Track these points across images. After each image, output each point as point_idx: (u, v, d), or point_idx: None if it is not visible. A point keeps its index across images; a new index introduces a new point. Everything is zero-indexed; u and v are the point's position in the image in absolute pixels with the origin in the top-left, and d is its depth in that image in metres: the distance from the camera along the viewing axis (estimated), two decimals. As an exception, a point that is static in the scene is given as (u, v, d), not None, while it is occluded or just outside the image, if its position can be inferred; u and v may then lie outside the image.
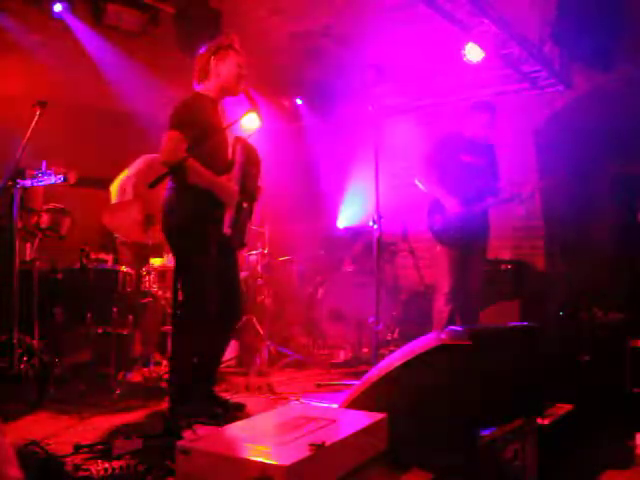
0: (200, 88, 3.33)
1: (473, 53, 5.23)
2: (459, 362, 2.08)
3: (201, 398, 3.18)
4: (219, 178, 3.16)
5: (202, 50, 3.34)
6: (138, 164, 4.81)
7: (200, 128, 3.11)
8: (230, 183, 3.20)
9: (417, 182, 4.51)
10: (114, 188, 4.84)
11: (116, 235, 4.71)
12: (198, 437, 2.18)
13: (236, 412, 3.18)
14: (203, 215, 3.11)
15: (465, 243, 4.36)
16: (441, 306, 4.35)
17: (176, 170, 2.95)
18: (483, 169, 4.48)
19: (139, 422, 3.16)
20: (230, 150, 3.29)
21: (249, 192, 3.36)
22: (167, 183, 3.17)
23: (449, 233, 4.35)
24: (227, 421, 2.73)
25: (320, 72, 6.13)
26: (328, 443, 1.77)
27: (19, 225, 3.65)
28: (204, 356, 3.29)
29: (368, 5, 5.20)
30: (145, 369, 4.10)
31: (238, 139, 3.29)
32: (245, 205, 3.30)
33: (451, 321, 4.26)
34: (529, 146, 6.08)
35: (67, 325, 3.91)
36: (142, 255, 4.53)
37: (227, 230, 3.14)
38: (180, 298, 3.18)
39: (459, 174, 4.42)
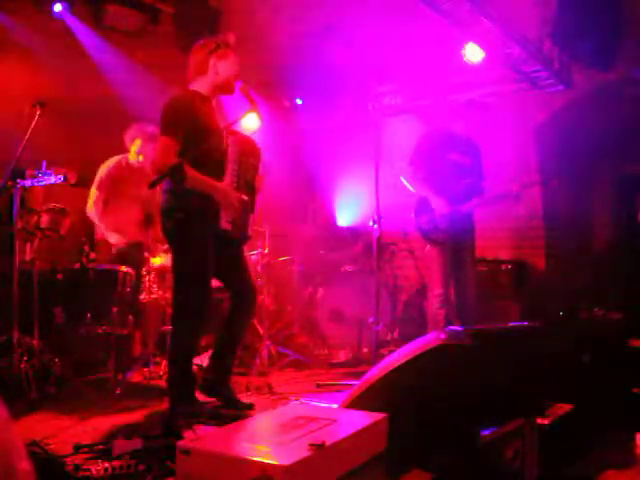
0: (193, 84, 3.30)
1: (473, 53, 5.23)
2: (459, 362, 2.07)
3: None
4: (213, 180, 3.13)
5: (198, 46, 3.32)
6: (104, 172, 4.65)
7: (190, 127, 3.09)
8: (224, 183, 3.17)
9: (403, 180, 4.49)
10: (90, 208, 4.61)
11: (103, 233, 4.66)
12: (198, 437, 2.18)
13: (246, 411, 3.19)
14: (200, 214, 3.11)
15: (453, 242, 4.34)
16: (435, 309, 4.32)
17: (170, 174, 2.94)
18: (469, 168, 4.47)
19: (139, 422, 3.16)
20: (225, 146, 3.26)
21: (248, 184, 3.35)
22: (162, 186, 3.16)
23: (437, 233, 4.34)
24: (227, 421, 2.73)
25: (320, 72, 6.13)
26: (328, 443, 1.77)
27: (19, 225, 3.65)
28: (223, 346, 3.37)
29: (368, 5, 5.19)
30: (145, 369, 4.10)
31: (230, 132, 3.26)
32: (245, 198, 3.28)
33: (447, 323, 4.24)
34: (529, 146, 6.08)
35: (67, 325, 3.92)
36: (122, 255, 4.50)
37: (226, 225, 3.14)
38: (177, 297, 3.19)
39: (446, 172, 4.40)
